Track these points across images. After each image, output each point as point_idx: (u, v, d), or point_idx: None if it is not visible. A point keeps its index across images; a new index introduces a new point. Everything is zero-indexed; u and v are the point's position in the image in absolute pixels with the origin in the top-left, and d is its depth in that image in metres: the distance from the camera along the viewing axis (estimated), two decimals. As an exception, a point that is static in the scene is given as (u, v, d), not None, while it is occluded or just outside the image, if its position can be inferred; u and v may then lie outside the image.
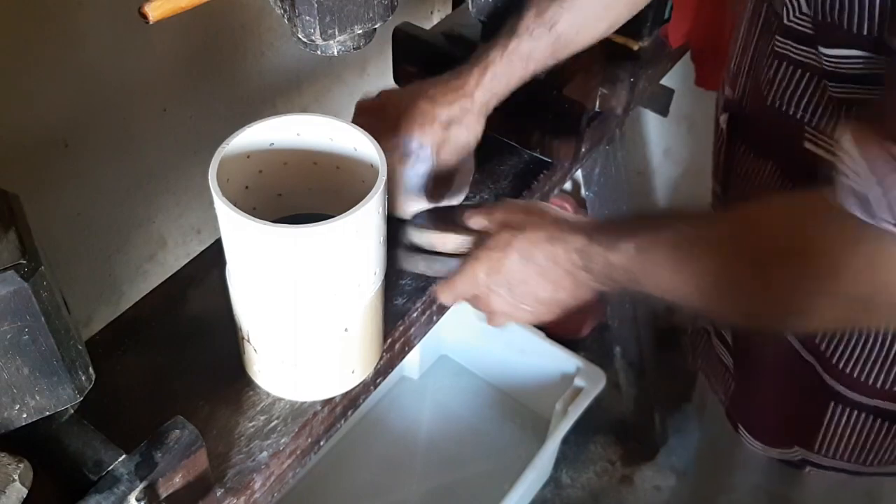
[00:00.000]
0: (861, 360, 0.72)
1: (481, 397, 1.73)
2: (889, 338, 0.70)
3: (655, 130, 1.72)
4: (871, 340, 0.71)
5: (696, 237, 0.59)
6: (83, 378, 0.54)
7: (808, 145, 0.65)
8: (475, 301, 0.71)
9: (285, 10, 0.62)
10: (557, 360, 1.58)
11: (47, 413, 0.53)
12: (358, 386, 0.72)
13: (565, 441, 1.56)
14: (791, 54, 0.64)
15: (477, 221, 0.71)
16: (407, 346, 0.78)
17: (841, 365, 0.73)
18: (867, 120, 0.49)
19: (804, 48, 0.63)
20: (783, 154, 0.70)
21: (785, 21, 0.63)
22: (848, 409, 0.76)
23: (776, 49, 0.65)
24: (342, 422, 0.74)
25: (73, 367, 0.52)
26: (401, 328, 0.75)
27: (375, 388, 0.75)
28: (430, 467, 1.61)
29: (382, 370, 0.74)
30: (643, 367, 1.54)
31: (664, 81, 1.19)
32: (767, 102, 0.68)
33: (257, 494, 0.67)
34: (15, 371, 0.50)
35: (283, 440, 0.67)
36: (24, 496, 0.50)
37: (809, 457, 0.81)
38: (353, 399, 0.73)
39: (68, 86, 0.83)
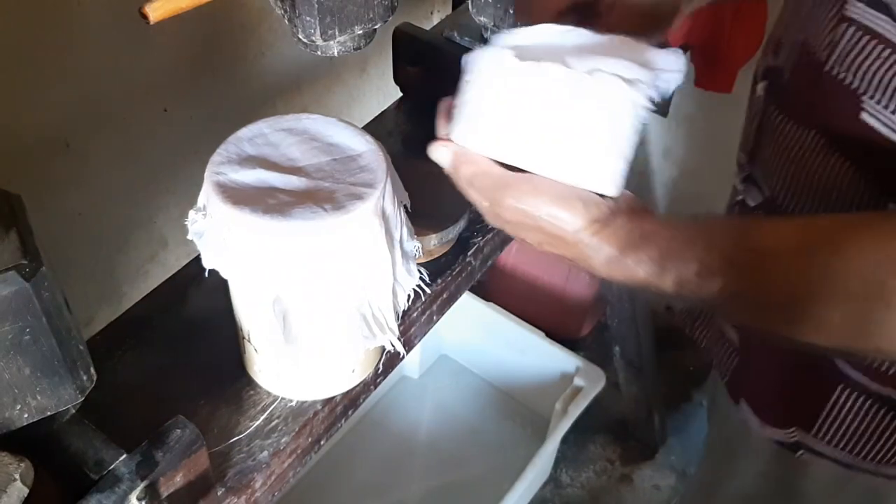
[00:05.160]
0: None
1: (481, 397, 1.73)
2: None
3: (655, 131, 1.72)
4: None
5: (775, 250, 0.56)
6: (84, 378, 0.54)
7: (865, 117, 0.63)
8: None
9: (286, 11, 0.62)
10: (557, 359, 1.58)
11: (49, 413, 0.53)
12: (358, 385, 0.72)
13: (565, 440, 1.56)
14: (861, 20, 0.62)
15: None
16: (407, 346, 0.78)
17: None
18: None
19: (878, 13, 0.60)
20: (831, 124, 0.67)
21: None
22: (854, 394, 0.75)
23: (844, 13, 0.63)
24: (342, 421, 0.74)
25: (74, 368, 0.52)
26: (401, 328, 0.75)
27: (375, 387, 0.75)
28: (430, 467, 1.61)
29: (382, 370, 0.75)
30: (642, 366, 1.54)
31: (664, 81, 1.19)
32: (825, 69, 0.65)
33: (258, 494, 0.67)
34: (16, 371, 0.50)
35: (283, 439, 0.67)
36: (26, 495, 0.50)
37: (805, 440, 0.81)
38: (353, 398, 0.73)
39: (69, 86, 0.84)
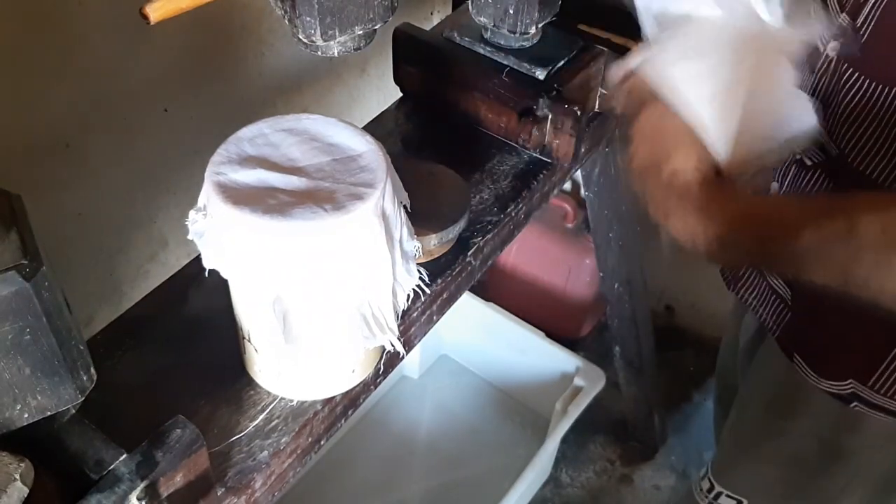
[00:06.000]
0: None
1: (481, 397, 1.73)
2: None
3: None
4: None
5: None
6: (84, 378, 0.54)
7: None
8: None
9: (286, 11, 0.63)
10: (557, 359, 1.58)
11: (49, 413, 0.53)
12: (358, 385, 0.72)
13: (565, 440, 1.56)
14: None
15: None
16: (407, 346, 0.78)
17: None
18: None
19: None
20: None
21: None
22: None
23: None
24: (342, 421, 0.74)
25: (74, 367, 0.52)
26: (401, 328, 0.75)
27: (375, 387, 0.75)
28: (430, 467, 1.61)
29: (382, 370, 0.75)
30: (642, 366, 1.54)
31: (664, 82, 1.19)
32: None
33: (258, 494, 0.67)
34: (17, 371, 0.50)
35: (283, 439, 0.67)
36: (26, 495, 0.50)
37: (861, 391, 0.81)
38: (353, 398, 0.73)
39: (70, 86, 0.84)
